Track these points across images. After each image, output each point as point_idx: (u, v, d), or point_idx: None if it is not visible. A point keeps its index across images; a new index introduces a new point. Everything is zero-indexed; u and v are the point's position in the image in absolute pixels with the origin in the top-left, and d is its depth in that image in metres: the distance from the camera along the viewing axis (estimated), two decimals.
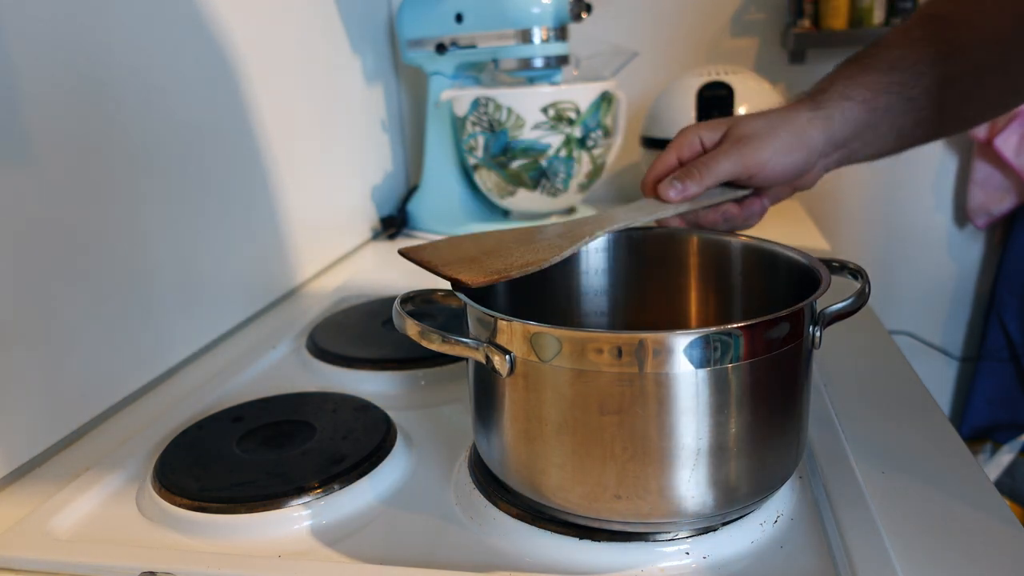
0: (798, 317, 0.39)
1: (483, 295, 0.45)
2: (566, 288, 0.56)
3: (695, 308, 0.56)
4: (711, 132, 0.57)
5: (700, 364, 0.36)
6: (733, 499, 0.40)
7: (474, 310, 0.41)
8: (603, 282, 0.57)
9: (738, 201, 0.57)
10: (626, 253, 0.56)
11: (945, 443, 0.50)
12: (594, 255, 0.56)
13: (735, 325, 0.36)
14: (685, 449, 0.37)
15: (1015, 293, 1.46)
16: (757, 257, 0.52)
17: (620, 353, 0.36)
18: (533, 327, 0.38)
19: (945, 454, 0.49)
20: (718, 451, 0.38)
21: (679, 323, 0.56)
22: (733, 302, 0.54)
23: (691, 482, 0.38)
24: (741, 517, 0.42)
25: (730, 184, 0.57)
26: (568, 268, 0.55)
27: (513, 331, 0.39)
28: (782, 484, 0.43)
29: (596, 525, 0.41)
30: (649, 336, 0.36)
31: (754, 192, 0.58)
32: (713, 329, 0.36)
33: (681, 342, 0.36)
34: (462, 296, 0.43)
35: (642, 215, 0.53)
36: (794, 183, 0.59)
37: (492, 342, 0.39)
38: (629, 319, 0.57)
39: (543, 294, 0.55)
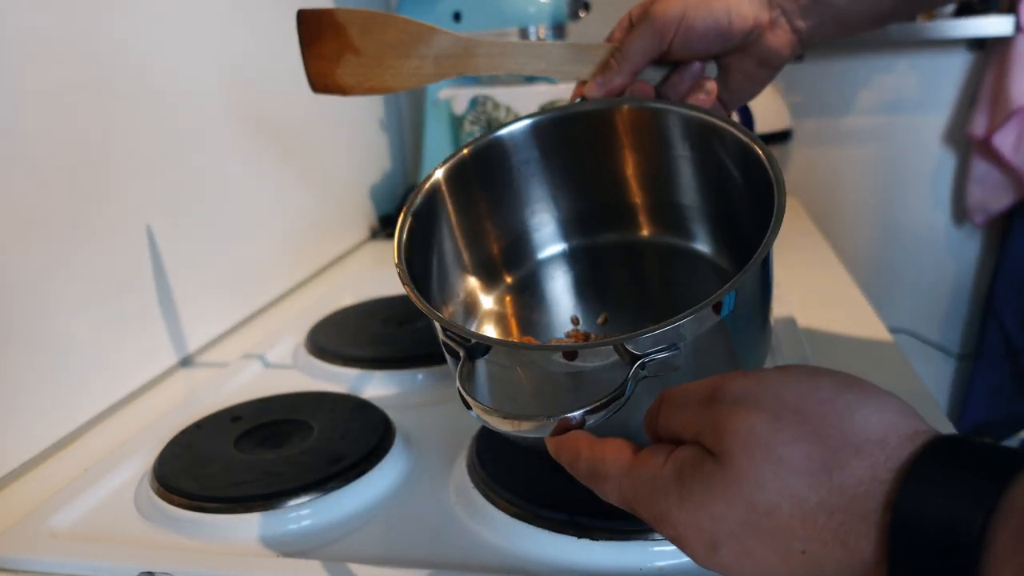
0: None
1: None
2: (502, 197, 0.54)
3: (641, 193, 0.54)
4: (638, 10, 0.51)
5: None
6: None
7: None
8: (539, 182, 0.54)
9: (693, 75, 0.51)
10: (554, 140, 0.52)
11: None
12: (521, 147, 0.52)
13: (671, 326, 0.35)
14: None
15: (1013, 290, 1.46)
16: (701, 133, 0.48)
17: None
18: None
19: None
20: None
21: (631, 215, 0.55)
22: (681, 178, 0.51)
23: None
24: None
25: (668, 64, 0.51)
26: (497, 169, 0.53)
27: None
28: None
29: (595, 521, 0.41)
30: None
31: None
32: (658, 329, 0.35)
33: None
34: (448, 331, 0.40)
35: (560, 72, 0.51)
36: (750, 48, 0.50)
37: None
38: (576, 221, 0.56)
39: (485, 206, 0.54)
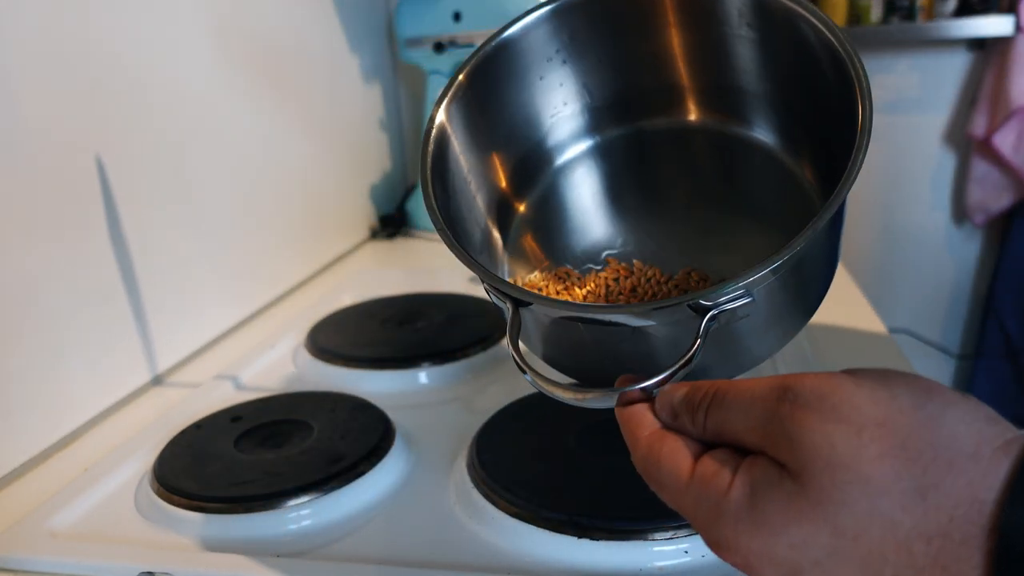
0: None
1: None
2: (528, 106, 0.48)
3: (688, 74, 0.47)
4: None
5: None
6: None
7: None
8: (556, 77, 0.47)
9: None
10: (579, 24, 0.45)
11: None
12: (536, 41, 0.45)
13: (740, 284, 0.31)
14: None
15: (1013, 291, 1.46)
16: (765, 12, 0.41)
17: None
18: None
19: None
20: None
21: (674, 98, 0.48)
22: (738, 60, 0.44)
23: None
24: None
25: None
26: (503, 79, 0.46)
27: None
28: None
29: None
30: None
31: None
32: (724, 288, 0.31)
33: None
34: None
35: None
36: None
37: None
38: (604, 109, 0.49)
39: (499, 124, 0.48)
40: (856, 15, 1.36)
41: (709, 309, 0.32)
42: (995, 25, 1.32)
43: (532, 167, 0.49)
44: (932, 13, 1.37)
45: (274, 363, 0.70)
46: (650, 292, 0.44)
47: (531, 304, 0.36)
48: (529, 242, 0.49)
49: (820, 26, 0.37)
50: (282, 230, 0.90)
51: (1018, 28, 1.31)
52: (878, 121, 1.52)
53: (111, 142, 0.62)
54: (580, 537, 0.41)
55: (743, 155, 0.47)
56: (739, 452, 0.27)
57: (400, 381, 0.63)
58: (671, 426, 0.29)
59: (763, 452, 0.26)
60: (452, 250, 0.38)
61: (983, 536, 0.22)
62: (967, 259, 1.56)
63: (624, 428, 0.31)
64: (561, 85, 0.48)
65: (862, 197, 1.52)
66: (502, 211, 0.48)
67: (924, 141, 1.49)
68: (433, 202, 0.40)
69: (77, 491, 0.49)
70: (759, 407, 0.26)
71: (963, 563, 0.22)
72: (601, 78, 0.48)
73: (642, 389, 0.31)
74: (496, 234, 0.48)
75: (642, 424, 0.30)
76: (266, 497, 0.46)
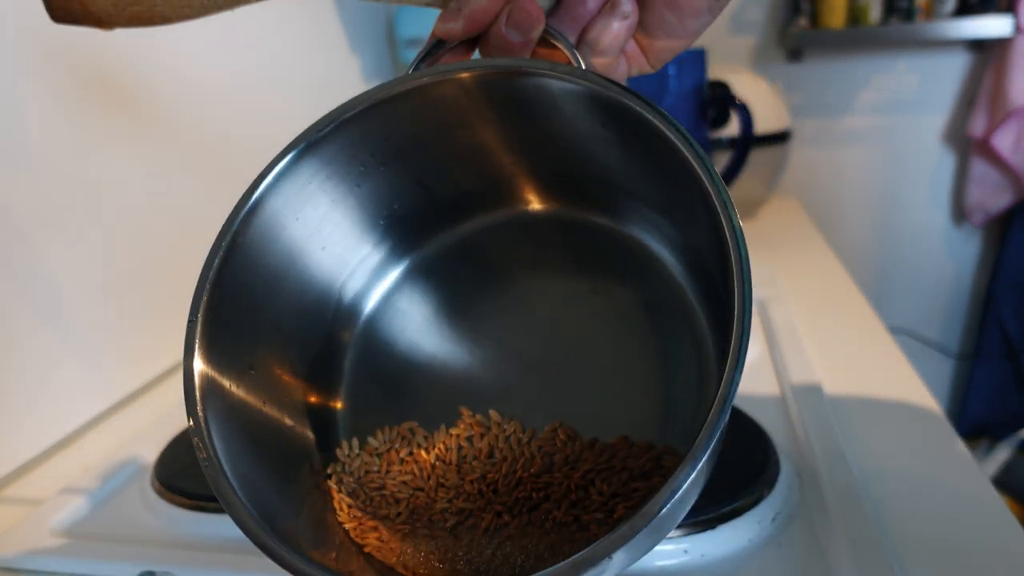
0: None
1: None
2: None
3: (516, 165, 0.37)
4: None
5: None
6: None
7: None
8: (338, 221, 0.38)
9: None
10: (395, 123, 0.34)
11: (942, 440, 0.50)
12: (295, 196, 0.36)
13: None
14: None
15: (1012, 290, 1.47)
16: (602, 108, 0.31)
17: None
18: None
19: (942, 451, 0.49)
20: None
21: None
22: (576, 149, 0.34)
23: None
24: (739, 516, 0.42)
25: None
26: (259, 268, 0.37)
27: None
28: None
29: None
30: None
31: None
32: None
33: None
34: None
35: None
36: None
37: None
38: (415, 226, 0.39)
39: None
40: (855, 15, 1.36)
41: None
42: (994, 25, 1.32)
43: (333, 346, 0.39)
44: (931, 13, 1.37)
45: None
46: (510, 458, 0.36)
47: None
48: (368, 428, 0.38)
49: (680, 146, 0.28)
50: None
51: (1017, 28, 1.31)
52: (879, 121, 1.52)
53: (109, 145, 0.62)
54: None
55: (616, 258, 0.38)
56: None
57: None
58: None
59: None
60: (239, 525, 0.29)
61: None
62: (966, 259, 1.56)
63: None
64: (390, 187, 0.38)
65: (862, 198, 1.53)
66: (320, 422, 0.38)
67: (923, 141, 1.49)
68: (215, 461, 0.30)
69: (77, 491, 0.49)
70: None
71: None
72: (435, 174, 0.38)
73: None
74: (317, 455, 0.37)
75: None
76: None
